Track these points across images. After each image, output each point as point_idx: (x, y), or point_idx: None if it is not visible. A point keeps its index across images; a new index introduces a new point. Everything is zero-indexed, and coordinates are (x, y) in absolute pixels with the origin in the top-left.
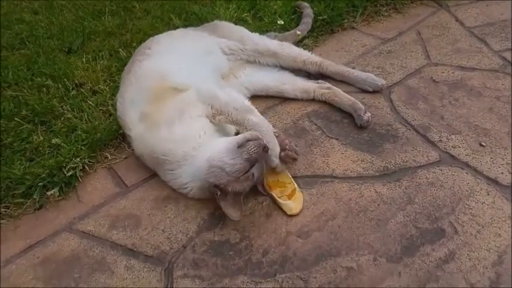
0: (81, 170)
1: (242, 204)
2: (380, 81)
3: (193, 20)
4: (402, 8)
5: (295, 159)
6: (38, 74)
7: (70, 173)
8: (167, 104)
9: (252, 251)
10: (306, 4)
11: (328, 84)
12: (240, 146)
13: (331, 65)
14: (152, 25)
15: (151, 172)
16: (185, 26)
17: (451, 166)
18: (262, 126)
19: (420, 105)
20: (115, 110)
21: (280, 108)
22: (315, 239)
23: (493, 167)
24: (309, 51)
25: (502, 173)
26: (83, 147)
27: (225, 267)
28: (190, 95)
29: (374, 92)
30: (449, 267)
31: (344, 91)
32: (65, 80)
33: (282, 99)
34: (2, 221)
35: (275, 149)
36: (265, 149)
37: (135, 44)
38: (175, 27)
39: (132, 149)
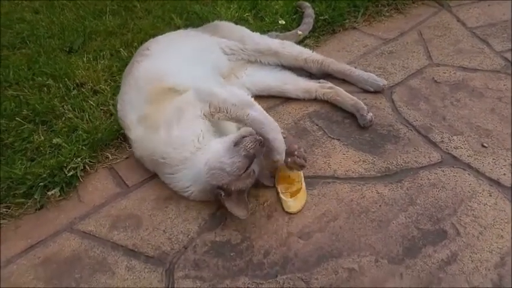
0: (82, 170)
1: (247, 202)
2: (381, 82)
3: (195, 19)
4: (404, 8)
5: (302, 167)
6: (38, 74)
7: (71, 173)
8: (166, 106)
9: (253, 252)
10: (307, 4)
11: (330, 84)
12: (236, 143)
13: (333, 63)
14: (153, 25)
15: (152, 172)
16: (186, 26)
17: (453, 167)
18: (263, 121)
19: (422, 106)
20: (116, 110)
21: (281, 109)
22: (316, 240)
23: (495, 168)
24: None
25: (505, 174)
26: (83, 147)
27: (226, 268)
28: (189, 95)
29: (375, 92)
30: (451, 269)
31: (345, 91)
32: (66, 79)
33: (283, 99)
34: (3, 221)
35: (280, 145)
36: (261, 143)
37: (136, 43)
38: (177, 27)
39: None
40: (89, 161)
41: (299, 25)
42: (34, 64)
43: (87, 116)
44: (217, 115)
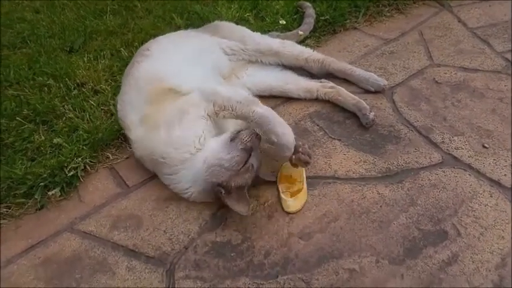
0: (82, 170)
1: (248, 199)
2: (382, 82)
3: (195, 19)
4: (404, 8)
5: (307, 163)
6: (39, 73)
7: (71, 173)
8: (166, 106)
9: (254, 253)
10: (308, 4)
11: (331, 84)
12: (233, 138)
13: (334, 62)
14: (154, 24)
15: (152, 172)
16: (187, 26)
17: (454, 168)
18: (269, 116)
19: (423, 106)
20: (116, 110)
21: (282, 109)
22: (317, 240)
23: (496, 168)
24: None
25: (505, 174)
26: (84, 147)
27: (226, 268)
28: (194, 96)
29: (376, 92)
30: (452, 270)
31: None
32: (67, 79)
33: (284, 99)
34: (3, 221)
35: (289, 140)
36: (257, 135)
37: (136, 43)
38: (177, 27)
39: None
40: (90, 161)
41: (300, 25)
42: (35, 64)
43: (87, 115)
44: (222, 113)
